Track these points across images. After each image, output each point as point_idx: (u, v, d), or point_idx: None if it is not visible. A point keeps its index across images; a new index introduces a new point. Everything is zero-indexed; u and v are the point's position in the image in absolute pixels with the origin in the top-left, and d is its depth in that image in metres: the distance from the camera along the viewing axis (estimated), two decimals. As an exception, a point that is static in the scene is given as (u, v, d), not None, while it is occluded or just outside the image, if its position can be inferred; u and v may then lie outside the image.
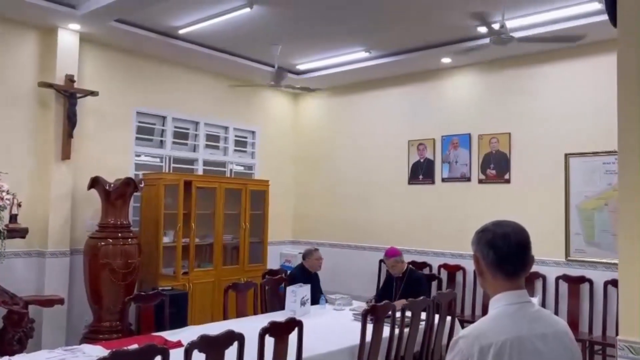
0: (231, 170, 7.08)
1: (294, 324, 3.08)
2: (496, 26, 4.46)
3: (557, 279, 5.29)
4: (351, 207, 7.10)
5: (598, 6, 4.44)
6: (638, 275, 2.08)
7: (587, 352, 4.82)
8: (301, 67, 6.73)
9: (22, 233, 4.66)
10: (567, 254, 5.30)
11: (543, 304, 5.32)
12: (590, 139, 5.15)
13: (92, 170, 5.34)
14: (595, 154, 5.13)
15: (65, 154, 5.19)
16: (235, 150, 7.15)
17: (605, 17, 2.63)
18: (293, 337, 3.07)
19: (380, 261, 6.53)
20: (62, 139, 5.18)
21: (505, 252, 1.50)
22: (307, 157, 7.72)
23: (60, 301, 4.69)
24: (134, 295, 3.97)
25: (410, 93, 6.68)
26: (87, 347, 3.18)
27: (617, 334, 2.20)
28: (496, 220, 1.57)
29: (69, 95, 5.19)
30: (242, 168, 7.29)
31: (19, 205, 4.69)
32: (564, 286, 5.28)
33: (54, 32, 5.19)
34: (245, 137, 7.29)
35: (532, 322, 1.49)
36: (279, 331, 2.98)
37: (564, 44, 4.97)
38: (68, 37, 5.25)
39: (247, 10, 4.82)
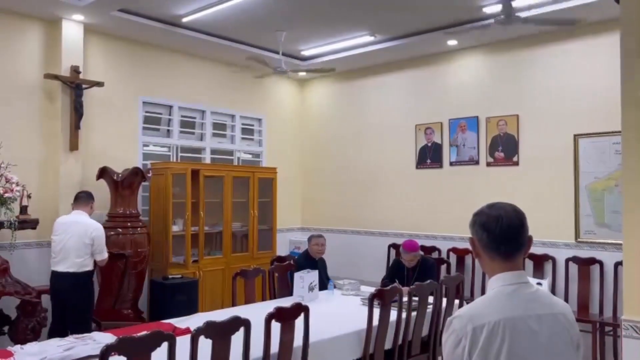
0: (239, 158, 7.09)
1: (300, 309, 3.09)
2: (500, 6, 4.39)
3: (567, 260, 5.26)
4: (359, 193, 7.08)
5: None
6: (642, 254, 2.06)
7: (597, 334, 4.79)
8: (306, 53, 6.69)
9: (32, 224, 4.74)
10: (577, 235, 5.25)
11: (553, 286, 5.30)
12: (599, 119, 5.07)
13: (100, 161, 5.39)
14: (604, 134, 5.05)
15: (73, 145, 5.23)
16: (243, 138, 7.15)
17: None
18: (300, 322, 3.09)
19: (389, 246, 6.54)
20: (70, 130, 5.22)
21: (498, 235, 1.51)
22: (314, 143, 7.70)
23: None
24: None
25: (416, 76, 6.62)
26: (97, 335, 3.22)
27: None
28: (491, 203, 1.57)
29: (75, 87, 5.21)
30: (249, 156, 7.29)
31: (29, 196, 4.76)
32: (574, 268, 5.24)
33: (58, 24, 5.21)
34: (252, 125, 7.28)
35: (527, 302, 1.49)
36: (285, 316, 2.99)
37: (565, 27, 4.89)
38: (72, 28, 5.27)
39: (250, -4, 4.80)
